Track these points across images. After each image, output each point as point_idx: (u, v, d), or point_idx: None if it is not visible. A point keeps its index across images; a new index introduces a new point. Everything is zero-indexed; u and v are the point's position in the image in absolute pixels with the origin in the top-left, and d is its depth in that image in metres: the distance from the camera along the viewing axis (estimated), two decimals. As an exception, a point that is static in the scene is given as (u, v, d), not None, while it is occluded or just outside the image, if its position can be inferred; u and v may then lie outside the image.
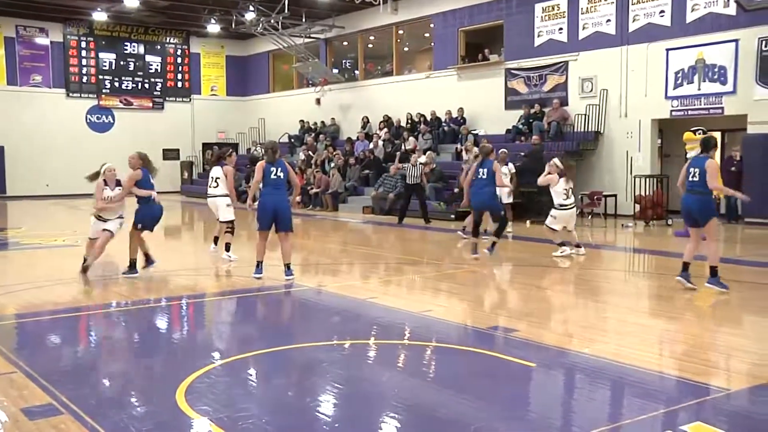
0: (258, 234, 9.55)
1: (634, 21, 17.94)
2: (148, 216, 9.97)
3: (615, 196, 18.02)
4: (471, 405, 4.79)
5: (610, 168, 18.56)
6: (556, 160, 11.88)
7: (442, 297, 8.83)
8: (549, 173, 11.58)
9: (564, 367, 5.79)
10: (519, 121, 20.04)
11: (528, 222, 16.68)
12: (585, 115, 18.63)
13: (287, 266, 9.42)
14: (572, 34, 19.31)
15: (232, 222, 11.64)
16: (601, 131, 18.63)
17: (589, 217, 17.38)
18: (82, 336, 7.21)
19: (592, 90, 18.89)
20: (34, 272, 10.43)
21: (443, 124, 22.23)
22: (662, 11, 17.38)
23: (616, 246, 14.17)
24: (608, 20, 18.51)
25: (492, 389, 5.16)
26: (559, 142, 18.56)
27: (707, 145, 8.56)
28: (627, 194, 17.83)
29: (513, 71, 20.85)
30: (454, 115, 22.06)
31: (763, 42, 15.62)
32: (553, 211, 11.68)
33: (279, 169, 9.24)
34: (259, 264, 9.57)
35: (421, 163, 18.14)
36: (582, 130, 18.69)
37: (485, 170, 11.27)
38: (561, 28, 19.61)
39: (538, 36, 20.16)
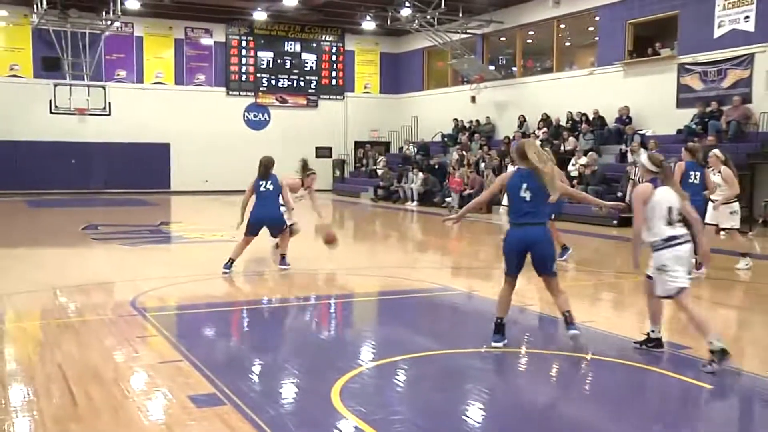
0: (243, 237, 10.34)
1: (834, 7, 16.55)
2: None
3: (805, 204, 16.72)
4: (634, 425, 4.64)
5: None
6: (716, 151, 10.81)
7: (604, 307, 8.58)
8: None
9: (743, 391, 5.47)
10: (692, 120, 19.03)
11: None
12: (772, 113, 17.42)
13: (282, 257, 10.46)
14: (762, 22, 18.04)
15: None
16: (791, 132, 17.35)
17: (773, 227, 16.23)
18: (239, 330, 7.65)
19: (781, 85, 17.61)
20: (196, 265, 11.17)
21: (610, 124, 21.51)
22: None
23: (804, 260, 13.13)
24: (804, 6, 17.17)
25: (660, 410, 4.96)
26: (740, 143, 17.46)
27: None
28: (819, 203, 16.48)
29: (687, 66, 19.84)
30: (620, 113, 21.30)
31: None
32: (734, 205, 10.56)
33: (269, 182, 10.30)
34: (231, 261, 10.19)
35: (581, 165, 17.71)
36: None
37: (698, 174, 10.08)
38: (747, 17, 18.38)
39: (719, 26, 19.04)
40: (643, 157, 6.42)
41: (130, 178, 28.69)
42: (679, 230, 5.86)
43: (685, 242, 5.85)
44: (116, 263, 11.58)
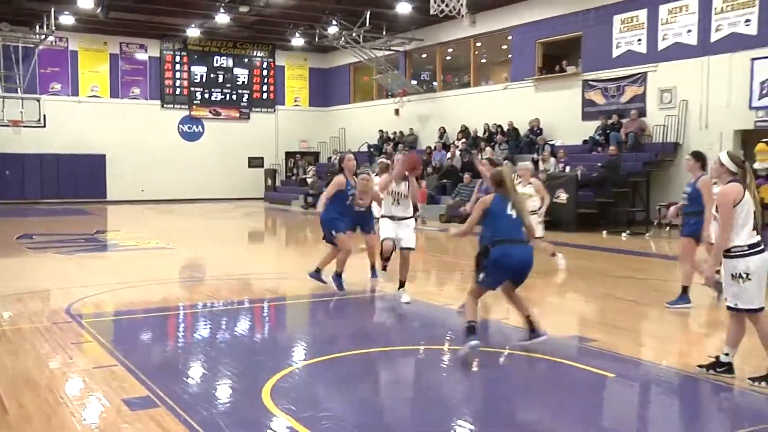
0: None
1: (717, 31, 17.30)
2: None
3: (694, 207, 17.40)
4: (547, 413, 4.72)
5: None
6: (527, 164, 11.33)
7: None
8: None
9: (643, 378, 5.63)
10: (596, 131, 19.63)
11: (604, 232, 16.34)
12: (664, 126, 18.10)
13: (337, 274, 8.87)
14: (651, 45, 18.79)
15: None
16: (681, 142, 18.04)
17: (668, 228, 16.85)
18: (173, 334, 7.45)
19: (671, 101, 18.32)
20: (131, 272, 10.84)
21: (523, 135, 21.95)
22: (748, 20, 16.70)
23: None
24: (689, 30, 17.92)
25: (569, 398, 5.06)
26: (637, 152, 18.10)
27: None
28: (707, 206, 17.18)
29: (590, 82, 20.45)
30: (531, 125, 21.78)
31: None
32: (541, 211, 10.73)
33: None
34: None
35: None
36: (660, 141, 18.17)
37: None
38: (640, 39, 19.11)
39: (617, 47, 19.70)
40: (723, 155, 5.32)
41: (67, 188, 27.77)
42: (758, 237, 5.16)
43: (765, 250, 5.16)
44: (52, 272, 11.12)
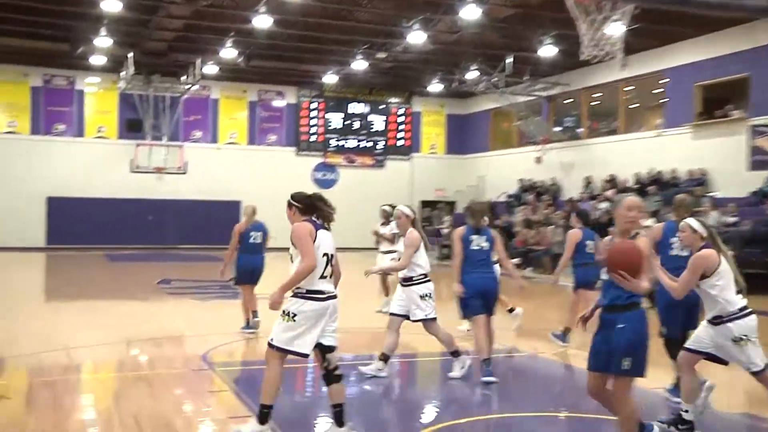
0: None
1: None
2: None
3: None
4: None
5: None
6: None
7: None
8: None
9: None
10: (765, 183, 18.59)
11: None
12: None
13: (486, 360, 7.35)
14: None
15: None
16: None
17: None
18: (302, 387, 7.70)
19: None
20: (261, 322, 11.31)
21: (679, 185, 21.13)
22: None
23: None
24: None
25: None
26: (815, 206, 16.97)
27: None
28: None
29: (759, 128, 19.47)
30: (691, 175, 20.89)
31: None
32: None
33: (485, 239, 7.53)
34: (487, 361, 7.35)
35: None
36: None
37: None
38: (818, 80, 18.08)
39: (791, 89, 18.72)
40: (693, 221, 5.56)
41: (201, 234, 29.37)
42: (745, 300, 5.43)
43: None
44: (189, 317, 11.88)
